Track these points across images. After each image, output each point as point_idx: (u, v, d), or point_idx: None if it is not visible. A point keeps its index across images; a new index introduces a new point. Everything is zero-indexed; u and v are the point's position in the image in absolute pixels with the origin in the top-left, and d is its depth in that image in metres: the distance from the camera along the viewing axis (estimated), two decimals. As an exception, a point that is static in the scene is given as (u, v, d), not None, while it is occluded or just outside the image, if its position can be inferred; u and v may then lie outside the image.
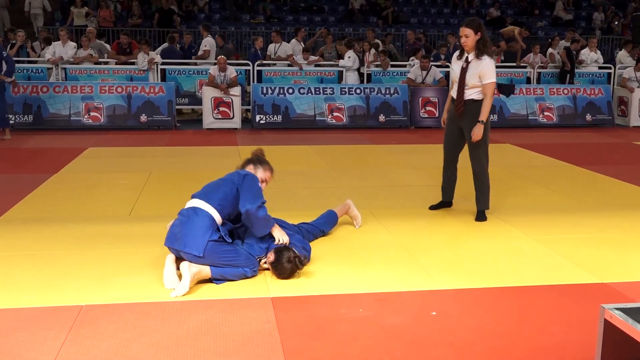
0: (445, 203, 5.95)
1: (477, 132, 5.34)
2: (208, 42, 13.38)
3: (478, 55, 5.32)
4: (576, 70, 14.04)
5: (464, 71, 5.37)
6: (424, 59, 12.22)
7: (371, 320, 3.53)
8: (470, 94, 5.38)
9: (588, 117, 12.63)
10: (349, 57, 13.03)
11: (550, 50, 14.46)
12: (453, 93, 5.55)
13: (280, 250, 4.16)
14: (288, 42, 14.35)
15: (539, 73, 14.21)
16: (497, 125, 12.09)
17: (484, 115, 5.33)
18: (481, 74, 5.30)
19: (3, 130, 9.99)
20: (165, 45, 13.67)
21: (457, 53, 5.55)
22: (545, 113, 12.47)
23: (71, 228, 5.22)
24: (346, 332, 3.38)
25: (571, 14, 21.11)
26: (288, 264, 4.09)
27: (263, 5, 19.21)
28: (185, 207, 4.23)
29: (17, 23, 16.71)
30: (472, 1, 21.37)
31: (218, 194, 4.23)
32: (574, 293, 3.99)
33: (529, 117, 12.39)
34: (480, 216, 5.60)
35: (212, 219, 4.12)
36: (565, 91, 12.74)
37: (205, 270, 3.99)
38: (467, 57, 5.40)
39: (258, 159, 4.58)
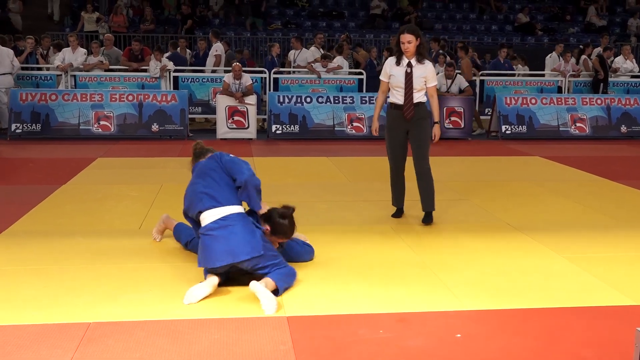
0: (401, 210, 6.18)
1: (438, 132, 5.93)
2: (218, 48, 13.50)
3: (419, 60, 5.76)
4: (610, 79, 13.94)
5: (409, 76, 5.73)
6: (448, 67, 12.20)
7: (392, 342, 3.51)
8: (418, 97, 5.79)
9: (623, 128, 12.53)
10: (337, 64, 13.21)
11: (584, 57, 14.39)
12: (394, 99, 5.86)
13: (267, 215, 4.33)
14: (307, 48, 14.44)
15: (570, 82, 14.13)
16: (526, 137, 12.06)
17: (437, 115, 5.95)
18: (427, 77, 5.78)
19: None
20: (169, 53, 13.76)
21: (392, 59, 5.86)
22: (578, 124, 12.38)
23: (79, 242, 5.27)
24: (365, 355, 3.37)
25: (605, 20, 20.99)
26: (283, 219, 4.30)
27: (253, 21, 19.11)
28: (211, 221, 4.19)
29: (29, 29, 17.01)
30: (500, 7, 21.32)
31: (224, 189, 4.27)
32: (607, 315, 3.94)
33: (560, 129, 12.30)
34: (428, 218, 5.90)
35: (245, 215, 4.23)
36: (599, 101, 12.64)
37: (271, 282, 4.06)
38: (409, 62, 5.76)
39: (210, 150, 4.65)
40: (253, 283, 3.96)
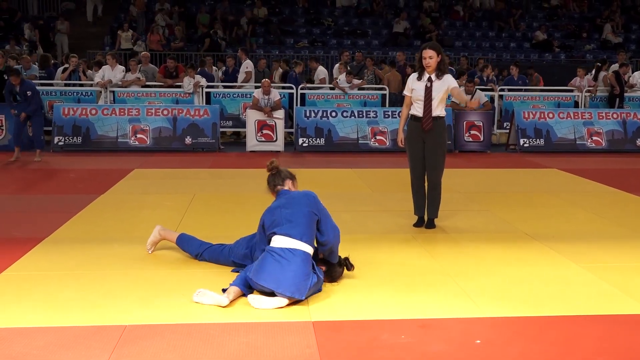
0: (423, 219, 6.18)
1: (474, 101, 6.39)
2: (249, 65, 13.63)
3: (439, 76, 5.83)
4: (625, 94, 13.76)
5: (428, 90, 5.83)
6: (468, 83, 12.15)
7: (414, 347, 3.49)
8: (437, 110, 5.86)
9: (638, 142, 12.34)
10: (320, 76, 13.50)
11: (603, 73, 14.23)
12: (414, 111, 5.95)
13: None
14: (332, 65, 14.55)
15: (586, 97, 13.96)
16: (543, 150, 11.94)
17: (464, 99, 6.33)
18: (449, 85, 5.85)
19: (35, 151, 10.17)
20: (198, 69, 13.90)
21: (415, 75, 5.97)
22: (594, 138, 12.23)
23: (116, 248, 5.32)
24: (388, 359, 3.35)
25: (620, 37, 20.75)
26: (339, 267, 4.48)
27: (252, 40, 19.14)
28: (279, 246, 4.18)
29: (73, 48, 17.34)
30: (518, 24, 21.20)
31: (306, 227, 4.25)
32: (624, 324, 3.87)
33: (577, 142, 12.16)
34: (432, 224, 6.10)
35: (310, 257, 4.22)
36: (615, 115, 12.49)
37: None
38: (429, 77, 5.84)
39: (290, 174, 4.68)
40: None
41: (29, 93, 9.96)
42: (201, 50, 17.77)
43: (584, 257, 5.17)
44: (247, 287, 4.17)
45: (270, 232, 4.30)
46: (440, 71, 5.83)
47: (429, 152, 5.96)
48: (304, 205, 4.34)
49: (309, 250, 4.24)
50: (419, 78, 5.91)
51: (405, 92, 6.11)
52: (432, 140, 5.93)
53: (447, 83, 5.86)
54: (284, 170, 4.67)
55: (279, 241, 4.21)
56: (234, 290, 4.11)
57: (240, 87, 13.51)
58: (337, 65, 14.43)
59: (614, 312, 4.05)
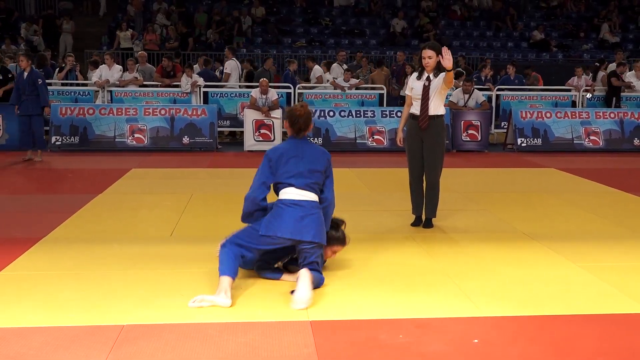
0: (420, 219, 6.20)
1: (449, 76, 5.65)
2: (230, 65, 13.51)
3: (436, 75, 5.88)
4: (623, 94, 13.77)
5: (426, 89, 5.87)
6: (467, 82, 12.15)
7: (412, 347, 3.49)
8: (434, 109, 5.90)
9: (636, 141, 12.35)
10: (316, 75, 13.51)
11: (601, 73, 14.23)
12: (413, 110, 6.00)
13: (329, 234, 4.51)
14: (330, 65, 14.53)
15: (584, 96, 13.97)
16: (541, 149, 11.95)
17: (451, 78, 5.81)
18: (439, 78, 5.82)
19: (36, 152, 10.14)
20: (197, 68, 13.86)
21: (415, 74, 6.04)
22: (591, 137, 12.24)
23: (114, 248, 5.31)
24: (386, 359, 3.34)
25: (618, 37, 20.78)
26: (336, 231, 4.58)
27: (237, 39, 19.01)
28: (293, 198, 4.25)
29: (73, 47, 17.33)
30: (515, 24, 21.21)
31: (314, 182, 4.35)
32: (622, 323, 3.87)
33: (574, 141, 12.17)
34: (429, 223, 6.12)
35: (320, 206, 4.36)
36: (612, 115, 12.50)
37: (315, 279, 4.19)
38: (428, 77, 5.90)
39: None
40: (305, 270, 4.09)
41: (39, 81, 9.93)
42: (187, 50, 17.76)
43: (582, 257, 5.17)
44: (236, 268, 4.15)
45: (281, 182, 4.33)
46: (439, 70, 5.87)
47: (427, 151, 5.98)
48: (320, 163, 4.40)
49: (317, 200, 4.35)
50: (419, 77, 5.98)
51: (406, 91, 6.18)
52: (430, 139, 5.95)
53: (440, 80, 5.90)
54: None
55: (290, 193, 4.28)
56: (227, 282, 4.06)
57: (239, 87, 13.47)
58: (334, 65, 14.42)
59: (613, 312, 4.04)
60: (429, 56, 5.83)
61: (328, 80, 13.63)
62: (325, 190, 4.45)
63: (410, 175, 6.15)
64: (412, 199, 6.21)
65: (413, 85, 6.01)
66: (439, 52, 5.78)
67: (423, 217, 6.17)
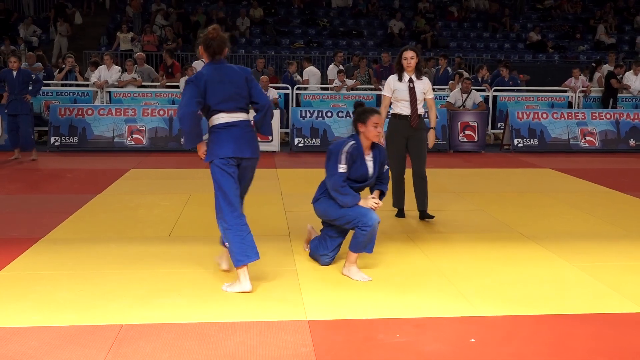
0: (403, 211, 6.47)
1: (433, 137, 6.33)
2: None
3: (418, 76, 6.17)
4: (619, 95, 13.79)
5: (412, 90, 6.13)
6: (466, 80, 12.17)
7: (409, 347, 3.49)
8: (420, 108, 6.20)
9: (631, 142, 12.36)
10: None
11: (597, 74, 14.24)
12: (399, 110, 6.21)
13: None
14: (327, 66, 14.52)
15: (580, 97, 13.99)
16: (537, 150, 11.97)
17: (434, 122, 6.40)
18: (426, 91, 6.21)
19: (31, 152, 10.15)
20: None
21: (394, 76, 6.23)
22: (587, 138, 12.26)
23: (113, 248, 5.31)
24: (383, 358, 3.35)
25: (614, 38, 20.81)
26: (358, 107, 4.75)
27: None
28: (231, 121, 4.35)
29: (70, 48, 17.28)
30: (512, 25, 21.24)
31: (242, 103, 4.40)
32: (617, 323, 3.88)
33: (571, 142, 12.19)
34: (425, 214, 6.30)
35: (250, 123, 4.48)
36: (608, 115, 12.52)
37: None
38: (410, 78, 6.14)
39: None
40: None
41: (33, 76, 10.02)
42: (175, 50, 17.76)
43: (577, 257, 5.18)
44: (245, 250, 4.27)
45: (210, 109, 4.39)
46: (418, 72, 6.18)
47: (415, 147, 6.23)
48: (243, 87, 4.40)
49: (248, 118, 4.46)
50: (400, 79, 6.19)
51: (386, 92, 6.31)
52: (418, 135, 6.22)
53: (425, 86, 6.21)
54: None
55: (221, 117, 4.38)
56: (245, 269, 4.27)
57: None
58: (331, 66, 14.42)
59: (608, 311, 4.06)
60: (410, 57, 6.10)
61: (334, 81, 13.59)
62: (255, 99, 4.44)
63: (395, 172, 6.27)
64: (393, 193, 6.41)
65: (396, 87, 6.20)
66: (418, 54, 6.15)
67: (418, 211, 6.38)
